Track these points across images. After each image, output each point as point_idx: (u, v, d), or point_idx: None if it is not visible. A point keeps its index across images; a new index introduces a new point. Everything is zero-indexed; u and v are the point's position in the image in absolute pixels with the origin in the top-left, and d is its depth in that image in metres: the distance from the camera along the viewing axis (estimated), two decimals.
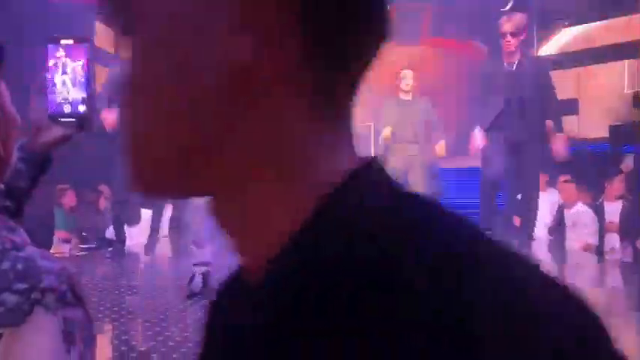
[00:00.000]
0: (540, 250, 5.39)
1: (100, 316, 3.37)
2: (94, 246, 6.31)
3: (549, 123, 4.66)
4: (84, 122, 1.00)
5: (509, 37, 4.64)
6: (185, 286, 3.78)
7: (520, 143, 4.63)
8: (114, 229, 5.43)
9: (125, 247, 5.36)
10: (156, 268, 5.28)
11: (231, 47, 0.34)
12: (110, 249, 5.48)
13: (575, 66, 8.86)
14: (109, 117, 4.97)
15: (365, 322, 0.30)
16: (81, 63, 0.98)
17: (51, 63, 0.97)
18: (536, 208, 4.89)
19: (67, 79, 0.97)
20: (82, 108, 0.99)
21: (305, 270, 0.33)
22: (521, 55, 4.71)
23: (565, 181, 6.15)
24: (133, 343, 3.07)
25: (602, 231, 5.91)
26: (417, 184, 6.18)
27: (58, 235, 6.11)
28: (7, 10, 5.75)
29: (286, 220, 0.35)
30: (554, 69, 6.81)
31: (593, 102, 9.64)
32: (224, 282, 0.45)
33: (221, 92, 0.35)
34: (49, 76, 0.97)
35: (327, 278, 0.32)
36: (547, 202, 5.93)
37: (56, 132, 1.03)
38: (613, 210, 5.93)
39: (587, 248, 5.87)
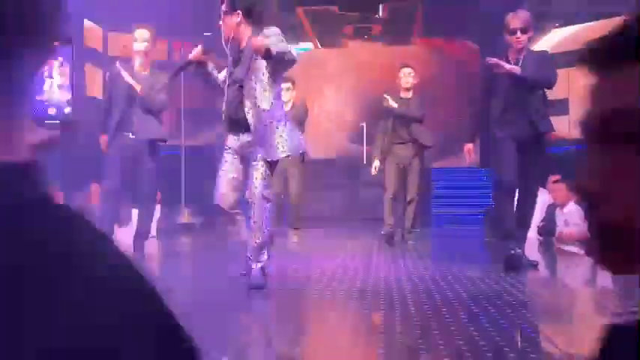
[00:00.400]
0: (531, 251, 5.38)
1: None
2: None
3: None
4: (69, 124, 0.98)
5: (519, 34, 4.56)
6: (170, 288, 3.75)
7: (523, 141, 4.60)
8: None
9: None
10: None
11: None
12: None
13: (566, 66, 8.89)
14: (104, 141, 4.99)
15: None
16: (66, 65, 0.97)
17: None
18: (533, 207, 4.87)
19: (51, 81, 0.95)
20: (67, 110, 0.97)
21: None
22: (527, 51, 4.68)
23: (555, 182, 6.17)
24: None
25: None
26: (413, 182, 6.19)
27: None
28: None
29: None
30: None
31: (583, 101, 9.66)
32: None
33: None
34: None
35: None
36: (537, 202, 5.95)
37: (41, 134, 1.01)
38: None
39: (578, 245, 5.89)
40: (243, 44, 3.85)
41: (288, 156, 3.92)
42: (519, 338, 2.91)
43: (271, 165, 3.83)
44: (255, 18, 3.87)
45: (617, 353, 0.53)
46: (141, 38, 5.10)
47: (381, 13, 10.92)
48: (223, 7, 3.87)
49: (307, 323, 3.46)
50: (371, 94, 10.09)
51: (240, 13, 3.83)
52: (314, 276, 4.47)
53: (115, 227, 5.86)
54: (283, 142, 3.80)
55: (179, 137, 8.08)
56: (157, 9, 6.83)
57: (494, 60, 4.56)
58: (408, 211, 6.31)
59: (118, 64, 5.13)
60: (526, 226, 4.85)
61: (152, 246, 5.90)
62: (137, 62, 5.11)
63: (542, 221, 6.44)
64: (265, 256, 3.87)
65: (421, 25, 10.90)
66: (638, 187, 0.52)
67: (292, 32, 9.74)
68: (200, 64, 3.90)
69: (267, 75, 3.77)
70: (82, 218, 0.45)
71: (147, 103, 4.99)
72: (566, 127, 7.58)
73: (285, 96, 6.22)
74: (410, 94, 6.23)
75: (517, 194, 4.80)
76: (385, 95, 6.20)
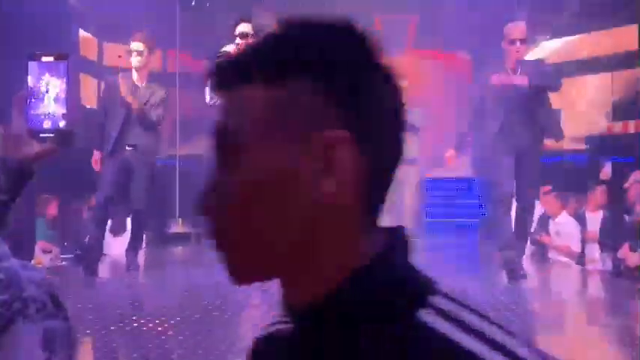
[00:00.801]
0: (523, 260, 5.41)
1: (80, 327, 3.34)
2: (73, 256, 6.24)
3: None
4: (64, 137, 1.01)
5: (518, 44, 4.58)
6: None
7: (522, 151, 4.61)
8: (88, 241, 5.10)
9: (98, 264, 5.03)
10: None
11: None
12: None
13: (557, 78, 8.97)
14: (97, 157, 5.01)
15: None
16: (61, 79, 1.00)
17: (31, 79, 0.98)
18: (531, 219, 4.90)
19: (47, 95, 0.98)
20: (62, 123, 1.00)
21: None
22: (522, 62, 4.72)
23: (545, 193, 6.20)
24: (114, 355, 3.05)
25: (584, 241, 5.97)
26: (410, 195, 6.20)
27: (39, 245, 6.05)
28: None
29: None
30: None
31: (574, 113, 9.76)
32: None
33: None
34: (29, 91, 0.98)
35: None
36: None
37: (37, 146, 1.04)
38: (594, 220, 6.00)
39: (569, 255, 5.92)
40: None
41: None
42: None
43: None
44: None
45: None
46: (136, 51, 5.03)
47: (374, 26, 11.01)
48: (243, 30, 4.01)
49: None
50: None
51: None
52: None
53: (110, 236, 5.87)
54: None
55: (174, 147, 8.10)
56: (152, 18, 6.86)
57: (500, 78, 4.57)
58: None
59: (120, 76, 5.04)
60: (525, 236, 4.87)
61: (144, 256, 5.89)
62: (134, 75, 5.07)
63: (534, 231, 6.47)
64: None
65: (414, 37, 10.98)
66: (231, 206, 0.53)
67: None
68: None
69: None
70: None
71: (142, 117, 4.92)
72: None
73: None
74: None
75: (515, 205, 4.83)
76: None
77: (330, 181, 0.51)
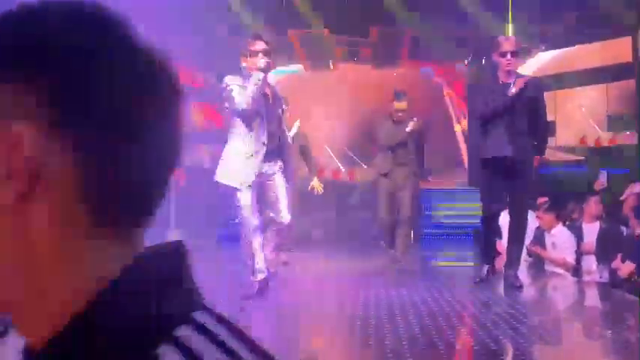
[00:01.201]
0: (519, 272, 5.40)
1: None
2: None
3: None
4: None
5: (509, 57, 4.65)
6: None
7: (516, 164, 4.64)
8: None
9: None
10: None
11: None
12: None
13: (552, 89, 9.02)
14: None
15: None
16: None
17: None
18: (525, 230, 4.92)
19: None
20: None
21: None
22: (517, 74, 4.77)
23: (542, 204, 6.19)
24: None
25: (580, 253, 5.96)
26: (407, 204, 6.14)
27: None
28: None
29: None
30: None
31: (570, 124, 9.79)
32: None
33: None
34: None
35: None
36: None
37: None
38: (590, 231, 5.99)
39: (566, 267, 5.91)
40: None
41: None
42: None
43: None
44: None
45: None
46: None
47: (370, 37, 11.06)
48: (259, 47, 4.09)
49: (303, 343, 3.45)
50: (360, 116, 10.17)
51: None
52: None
53: None
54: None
55: None
56: (150, 27, 6.86)
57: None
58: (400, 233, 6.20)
59: None
60: (520, 249, 4.90)
61: None
62: None
63: (530, 243, 6.45)
64: (262, 274, 4.09)
65: (409, 49, 11.02)
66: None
67: (283, 54, 9.83)
68: None
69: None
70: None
71: None
72: (552, 148, 7.66)
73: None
74: (403, 119, 6.20)
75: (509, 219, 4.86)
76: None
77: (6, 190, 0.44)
